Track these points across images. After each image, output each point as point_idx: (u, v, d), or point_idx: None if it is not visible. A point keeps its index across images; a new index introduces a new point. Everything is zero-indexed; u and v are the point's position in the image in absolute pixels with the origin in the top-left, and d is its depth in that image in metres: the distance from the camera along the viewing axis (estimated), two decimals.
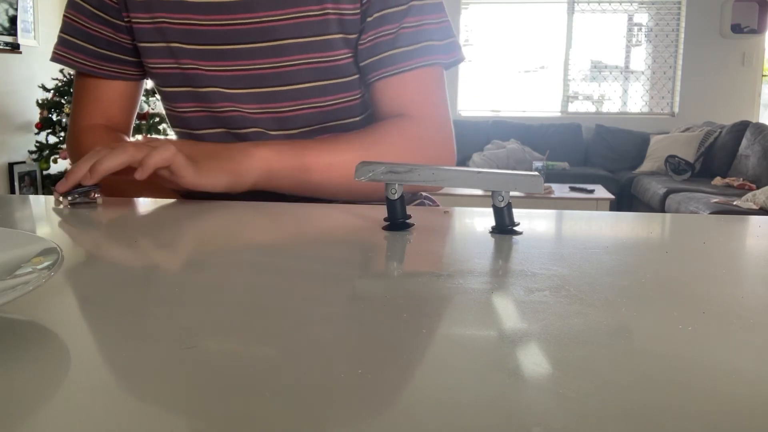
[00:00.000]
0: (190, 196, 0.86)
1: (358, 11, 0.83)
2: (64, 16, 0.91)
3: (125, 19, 0.87)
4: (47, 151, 3.95)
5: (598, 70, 5.95)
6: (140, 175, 0.69)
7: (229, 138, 0.87)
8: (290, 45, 0.82)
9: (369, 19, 0.83)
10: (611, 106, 5.96)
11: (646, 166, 5.20)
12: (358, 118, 0.89)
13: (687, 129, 5.34)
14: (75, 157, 0.95)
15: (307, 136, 0.87)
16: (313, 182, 0.78)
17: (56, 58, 0.92)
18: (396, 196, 0.58)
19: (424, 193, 1.01)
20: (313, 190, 0.79)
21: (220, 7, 0.82)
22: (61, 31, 0.91)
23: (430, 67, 0.85)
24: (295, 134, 0.87)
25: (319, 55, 0.83)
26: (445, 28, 0.86)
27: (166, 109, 0.92)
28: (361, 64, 0.85)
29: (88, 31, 0.89)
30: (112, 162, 0.69)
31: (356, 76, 0.86)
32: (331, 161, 0.78)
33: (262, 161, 0.75)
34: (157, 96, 3.78)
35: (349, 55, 0.85)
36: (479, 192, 3.74)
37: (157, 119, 4.02)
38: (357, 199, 0.84)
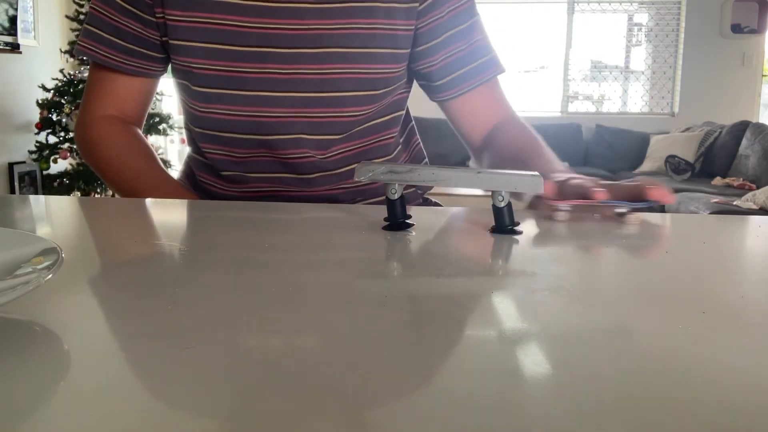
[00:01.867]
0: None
1: (412, 28, 0.86)
2: (91, 8, 0.89)
3: (158, 15, 0.84)
4: (47, 151, 3.94)
5: (598, 70, 5.95)
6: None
7: (253, 143, 0.86)
8: (335, 54, 0.83)
9: (437, 41, 0.88)
10: (611, 106, 5.95)
11: (646, 166, 5.20)
12: (376, 121, 0.91)
13: (687, 129, 5.34)
14: (86, 148, 0.94)
15: (334, 142, 0.87)
16: None
17: (81, 50, 0.90)
18: (396, 196, 0.58)
19: (432, 200, 1.01)
20: None
21: (264, 10, 0.82)
22: (87, 23, 0.89)
23: (495, 78, 0.93)
24: (324, 140, 0.86)
25: (362, 67, 0.84)
26: (490, 41, 0.94)
27: (190, 107, 0.89)
28: (437, 83, 0.90)
29: (117, 25, 0.87)
30: None
31: (391, 88, 0.89)
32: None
33: None
34: (157, 96, 3.73)
35: (395, 69, 0.87)
36: (479, 192, 3.74)
37: (157, 119, 4.01)
38: None
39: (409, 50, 0.88)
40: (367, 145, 0.91)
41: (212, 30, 0.83)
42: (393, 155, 0.94)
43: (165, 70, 0.92)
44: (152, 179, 0.90)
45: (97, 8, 0.88)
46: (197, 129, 0.90)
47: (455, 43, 0.89)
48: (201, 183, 0.93)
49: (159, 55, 0.89)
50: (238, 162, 0.88)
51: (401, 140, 0.98)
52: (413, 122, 1.02)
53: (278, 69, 0.83)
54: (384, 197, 0.91)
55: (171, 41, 0.84)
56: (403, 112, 0.96)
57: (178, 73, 0.88)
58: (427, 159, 1.05)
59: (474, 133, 0.94)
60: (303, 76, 0.84)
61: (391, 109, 0.92)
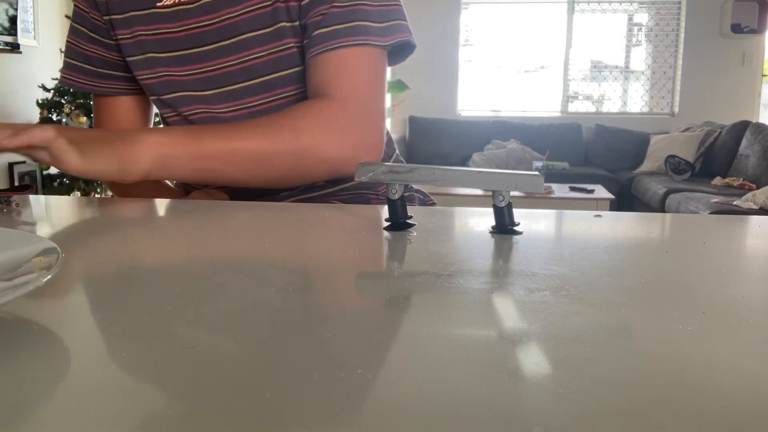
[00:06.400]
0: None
1: None
2: (67, 41, 0.97)
3: (114, 38, 0.91)
4: None
5: (598, 70, 5.95)
6: (7, 143, 0.64)
7: None
8: (250, 39, 0.84)
9: (303, 2, 0.81)
10: (611, 106, 5.96)
11: (646, 166, 5.20)
12: None
13: (687, 129, 5.34)
14: None
15: None
16: (213, 170, 0.74)
17: (63, 81, 0.98)
18: (396, 196, 0.58)
19: (415, 187, 1.01)
20: (214, 178, 0.77)
21: (187, 12, 0.85)
22: (65, 55, 0.97)
23: (360, 47, 0.80)
24: None
25: (275, 46, 0.84)
26: (388, 11, 0.82)
27: (160, 115, 0.97)
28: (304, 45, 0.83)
29: (86, 53, 0.95)
30: None
31: None
32: (235, 147, 0.74)
33: (155, 148, 0.71)
34: None
35: (297, 43, 0.84)
36: (479, 192, 3.74)
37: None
38: (265, 186, 0.82)
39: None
40: None
41: (150, 41, 0.88)
42: None
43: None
44: (146, 184, 0.93)
45: (71, 40, 0.96)
46: None
47: (317, 7, 0.80)
48: (186, 186, 0.96)
49: (130, 75, 0.94)
50: None
51: None
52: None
53: (206, 67, 0.86)
54: (348, 183, 0.91)
55: (126, 59, 0.91)
56: None
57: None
58: (397, 151, 1.00)
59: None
60: (228, 69, 0.86)
61: None
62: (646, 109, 5.84)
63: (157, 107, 0.95)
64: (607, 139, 5.52)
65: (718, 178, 4.66)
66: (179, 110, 0.90)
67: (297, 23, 0.83)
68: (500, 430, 0.23)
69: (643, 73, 5.88)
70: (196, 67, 0.87)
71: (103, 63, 0.94)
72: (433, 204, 1.01)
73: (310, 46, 0.81)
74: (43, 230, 0.61)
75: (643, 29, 5.90)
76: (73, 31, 0.96)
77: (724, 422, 0.24)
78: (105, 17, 0.91)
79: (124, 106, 0.98)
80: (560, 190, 4.20)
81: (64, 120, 3.91)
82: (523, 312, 0.36)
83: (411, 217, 0.60)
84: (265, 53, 0.84)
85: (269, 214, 0.69)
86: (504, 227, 0.58)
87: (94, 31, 0.93)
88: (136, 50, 0.89)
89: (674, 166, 4.87)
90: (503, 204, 0.57)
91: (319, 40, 0.80)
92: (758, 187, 4.04)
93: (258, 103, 0.87)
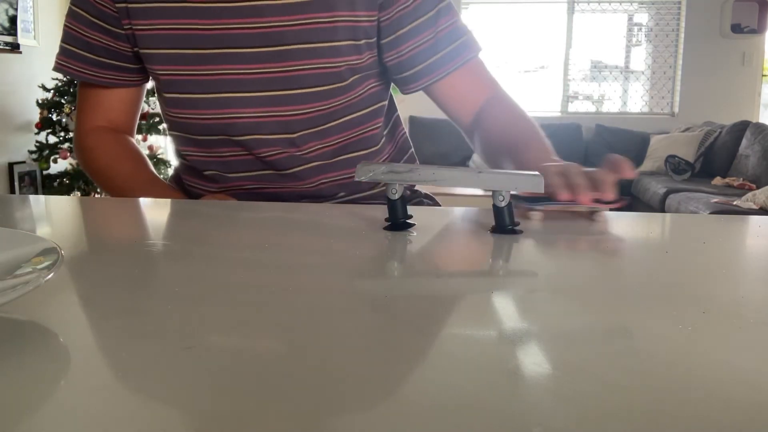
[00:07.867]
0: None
1: (374, 18, 0.85)
2: (65, 26, 0.92)
3: (126, 27, 0.87)
4: (47, 151, 3.94)
5: (598, 70, 5.94)
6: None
7: (229, 144, 0.87)
8: (298, 50, 0.83)
9: (402, 31, 0.86)
10: (611, 106, 5.95)
11: (646, 166, 5.19)
12: (355, 115, 0.90)
13: (687, 129, 5.34)
14: (81, 158, 0.98)
15: (309, 138, 0.87)
16: None
17: (58, 67, 0.94)
18: (396, 196, 0.58)
19: (423, 191, 1.01)
20: None
21: (225, 11, 0.82)
22: (62, 41, 0.93)
23: (473, 60, 0.92)
24: (296, 137, 0.86)
25: (326, 61, 0.84)
26: (463, 24, 0.92)
27: (164, 113, 0.92)
28: (405, 74, 0.89)
29: (87, 40, 0.90)
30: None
31: (356, 77, 0.87)
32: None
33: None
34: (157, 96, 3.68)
35: (357, 61, 0.86)
36: (479, 192, 3.74)
37: (157, 119, 4.01)
38: None
39: (372, 40, 0.86)
40: (348, 139, 0.90)
41: (175, 36, 0.84)
42: (378, 147, 0.94)
43: (145, 80, 0.94)
44: (141, 182, 0.91)
45: (70, 25, 0.91)
46: (174, 133, 0.92)
47: (421, 33, 0.87)
48: (186, 186, 0.94)
49: (133, 66, 0.91)
50: (216, 162, 0.89)
51: (386, 132, 0.98)
52: (398, 112, 1.02)
53: (242, 69, 0.84)
54: (368, 192, 0.92)
55: (141, 51, 0.86)
56: (386, 102, 0.95)
57: (154, 80, 0.90)
58: (413, 148, 1.04)
59: (461, 116, 0.95)
60: (268, 75, 0.84)
61: (370, 101, 0.91)
62: (646, 109, 5.84)
63: (167, 105, 0.89)
64: (607, 139, 5.51)
65: (718, 178, 4.66)
66: (197, 111, 0.86)
67: (363, 42, 0.85)
68: (500, 430, 0.23)
69: (643, 73, 5.88)
70: (229, 67, 0.84)
71: (105, 52, 0.90)
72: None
73: (433, 69, 0.89)
74: (43, 230, 0.61)
75: (643, 29, 5.90)
76: (72, 16, 0.91)
77: (724, 422, 0.24)
78: (118, 5, 0.86)
79: (117, 96, 0.95)
80: None
81: (64, 120, 3.91)
82: (523, 312, 0.36)
83: (411, 216, 0.60)
84: (312, 66, 0.84)
85: (269, 214, 0.69)
86: (504, 227, 0.57)
87: (97, 17, 0.88)
88: (157, 43, 0.85)
89: (674, 166, 4.87)
90: (503, 204, 0.57)
91: (442, 62, 0.89)
92: (758, 187, 4.04)
93: (293, 113, 0.86)
